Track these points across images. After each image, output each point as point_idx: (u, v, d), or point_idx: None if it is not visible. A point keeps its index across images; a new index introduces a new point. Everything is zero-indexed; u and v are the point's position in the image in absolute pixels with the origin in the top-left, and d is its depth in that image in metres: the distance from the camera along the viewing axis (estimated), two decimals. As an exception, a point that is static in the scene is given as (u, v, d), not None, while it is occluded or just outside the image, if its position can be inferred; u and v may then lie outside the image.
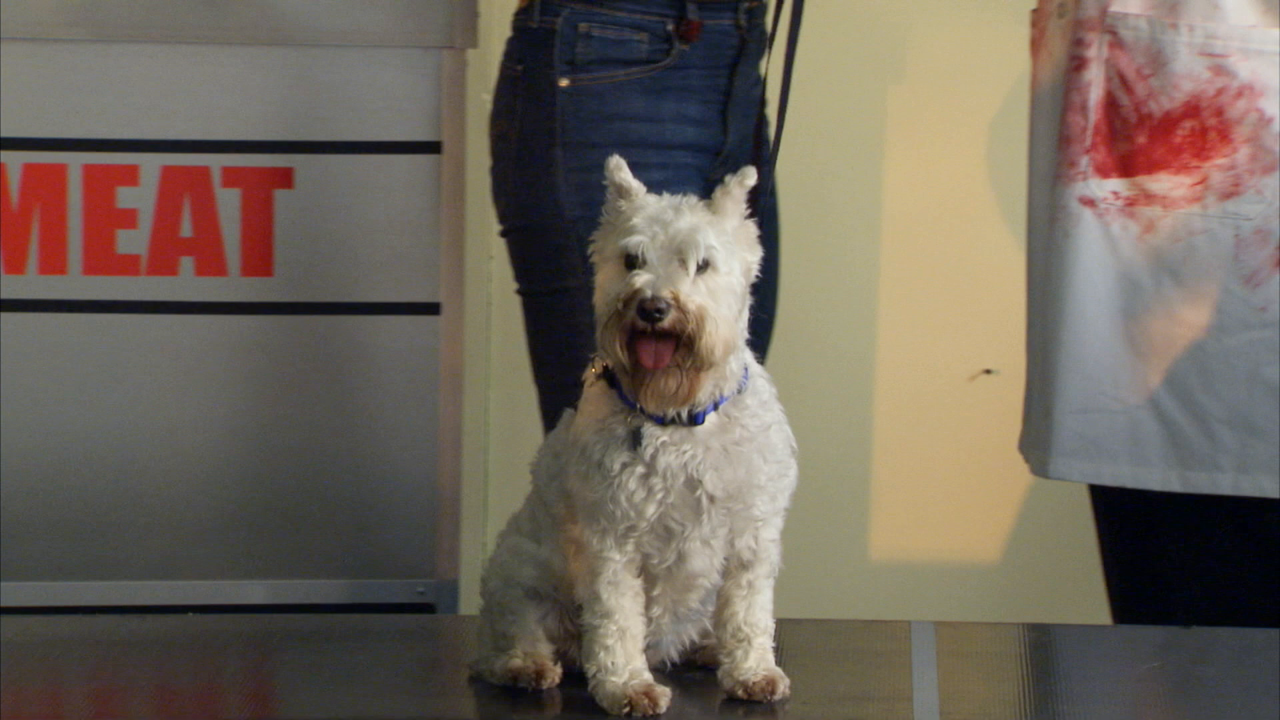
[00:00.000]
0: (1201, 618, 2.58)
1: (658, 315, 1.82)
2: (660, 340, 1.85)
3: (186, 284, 3.20)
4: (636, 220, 1.92)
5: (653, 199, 1.97)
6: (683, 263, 1.86)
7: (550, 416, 2.82)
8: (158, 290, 3.19)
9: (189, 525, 3.33)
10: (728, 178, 2.00)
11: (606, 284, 1.94)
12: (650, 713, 1.98)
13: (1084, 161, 2.64)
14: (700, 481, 1.94)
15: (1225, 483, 2.66)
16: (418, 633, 2.85)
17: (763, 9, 2.84)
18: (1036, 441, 2.78)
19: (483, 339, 3.80)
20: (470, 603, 3.39)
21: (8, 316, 3.22)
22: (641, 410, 1.94)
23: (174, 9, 3.28)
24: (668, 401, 1.90)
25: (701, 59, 2.81)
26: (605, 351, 1.95)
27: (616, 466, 1.93)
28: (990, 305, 3.84)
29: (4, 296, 3.23)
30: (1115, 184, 2.62)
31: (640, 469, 1.94)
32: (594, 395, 2.03)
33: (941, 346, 4.00)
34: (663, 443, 1.91)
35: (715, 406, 1.93)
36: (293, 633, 2.80)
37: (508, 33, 2.89)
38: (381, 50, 3.21)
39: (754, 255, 2.01)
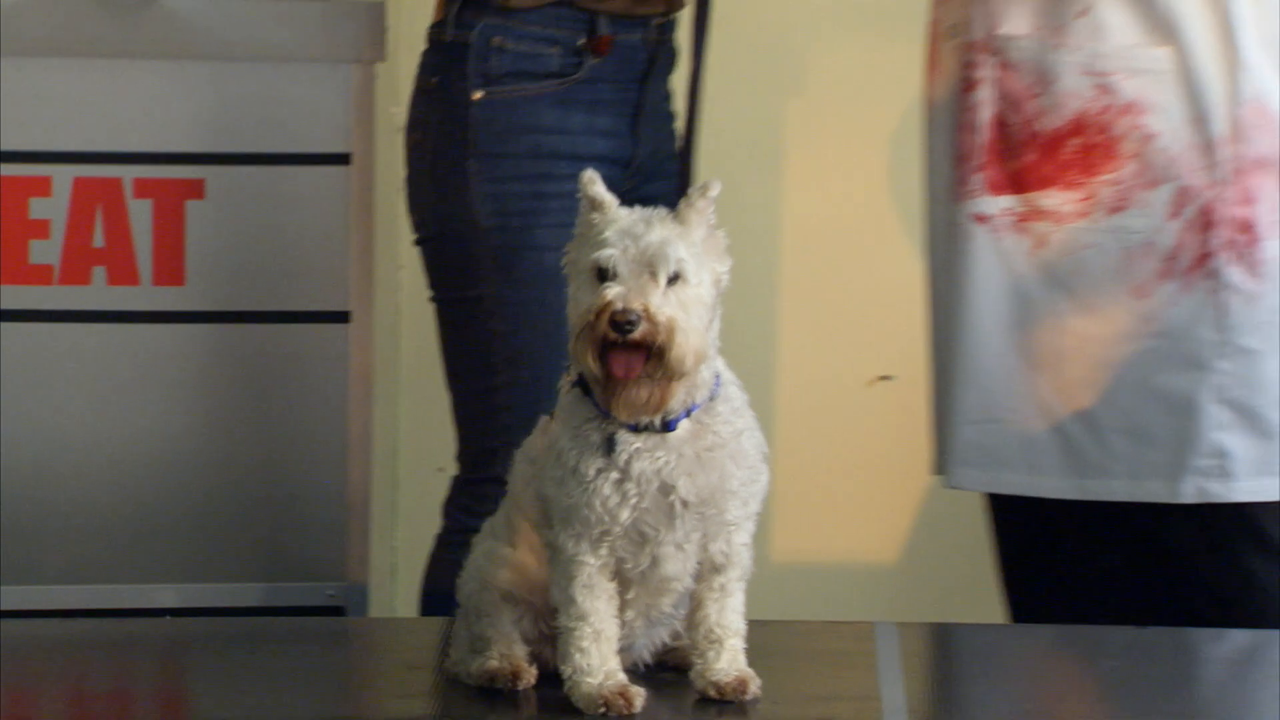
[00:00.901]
0: (1094, 621, 2.62)
1: (629, 327, 1.85)
2: (631, 351, 1.88)
3: (99, 293, 3.23)
4: (608, 234, 1.94)
5: (624, 212, 1.98)
6: (653, 275, 1.89)
7: (464, 421, 2.92)
8: (70, 299, 3.22)
9: (97, 530, 3.35)
10: (691, 189, 2.03)
11: (578, 296, 1.97)
12: (625, 713, 2.00)
13: (977, 179, 2.66)
14: (674, 487, 1.97)
15: (1120, 489, 2.66)
16: (328, 635, 2.84)
17: (672, 24, 2.91)
18: (938, 451, 2.85)
19: (393, 346, 3.81)
20: (380, 606, 3.50)
21: (-78, 326, 3.23)
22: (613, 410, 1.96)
23: (86, 23, 3.32)
24: (639, 411, 1.93)
25: (612, 73, 2.85)
26: (578, 362, 1.97)
27: (591, 472, 1.95)
28: (887, 313, 3.92)
29: (-82, 306, 3.24)
30: (1007, 201, 2.64)
31: (615, 475, 1.96)
32: (568, 403, 2.05)
33: (840, 353, 4.06)
34: (636, 449, 1.94)
35: (688, 414, 1.96)
36: (203, 636, 2.82)
37: (417, 47, 2.92)
38: (292, 64, 3.24)
39: (723, 265, 2.01)
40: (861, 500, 4.07)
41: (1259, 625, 2.56)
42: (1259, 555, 2.78)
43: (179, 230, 3.28)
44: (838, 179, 3.99)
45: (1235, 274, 2.63)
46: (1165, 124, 2.63)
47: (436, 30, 2.87)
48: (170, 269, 3.29)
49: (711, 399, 1.97)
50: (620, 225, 1.91)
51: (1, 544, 3.27)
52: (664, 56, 2.92)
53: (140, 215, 3.23)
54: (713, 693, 1.99)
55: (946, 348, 2.77)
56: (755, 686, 2.00)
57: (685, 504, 1.95)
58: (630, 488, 1.93)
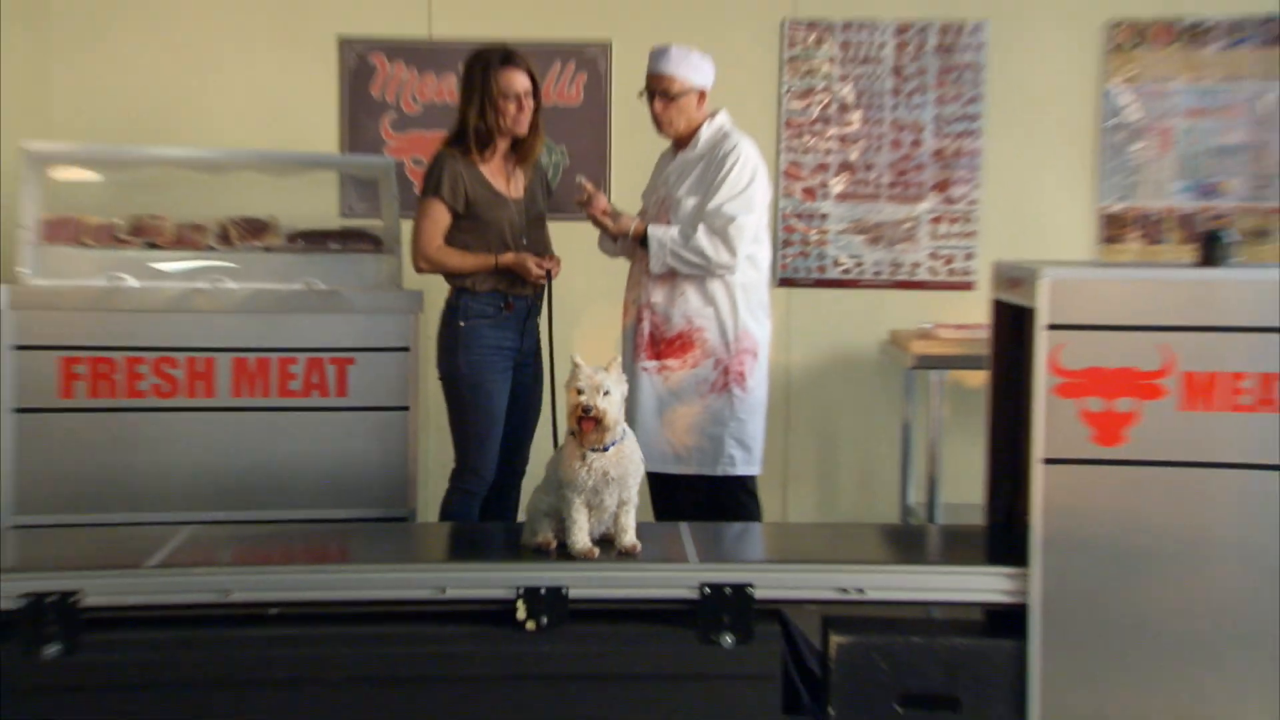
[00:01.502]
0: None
1: (589, 412, 3.73)
2: (590, 420, 3.75)
3: None
4: (581, 377, 3.75)
5: (588, 368, 3.75)
6: (598, 390, 3.73)
7: (456, 445, 4.68)
8: None
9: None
10: (610, 361, 3.77)
11: (569, 400, 3.78)
12: (590, 556, 3.87)
13: (643, 354, 4.82)
14: (607, 473, 3.85)
15: (704, 469, 4.79)
16: (405, 527, 4.18)
17: (542, 290, 4.77)
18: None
19: (425, 425, 4.73)
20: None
21: None
22: (581, 445, 3.81)
23: None
24: (594, 443, 3.80)
25: (512, 315, 4.71)
26: (570, 425, 3.79)
27: (577, 466, 3.82)
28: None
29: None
30: (654, 363, 4.79)
31: (585, 469, 3.83)
32: (569, 440, 3.87)
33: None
34: (593, 458, 3.83)
35: (612, 445, 3.84)
36: (362, 529, 4.43)
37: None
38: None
39: (624, 386, 3.81)
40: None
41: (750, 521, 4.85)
42: (745, 494, 4.91)
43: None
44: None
45: (737, 390, 4.77)
46: (711, 337, 4.76)
47: (449, 299, 4.70)
48: None
49: (622, 438, 3.87)
50: (584, 373, 3.75)
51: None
52: (534, 307, 4.77)
53: None
54: (623, 549, 3.94)
55: (630, 419, 4.41)
56: (639, 547, 3.95)
57: (610, 480, 3.85)
58: (591, 473, 3.83)
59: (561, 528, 3.93)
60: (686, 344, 4.66)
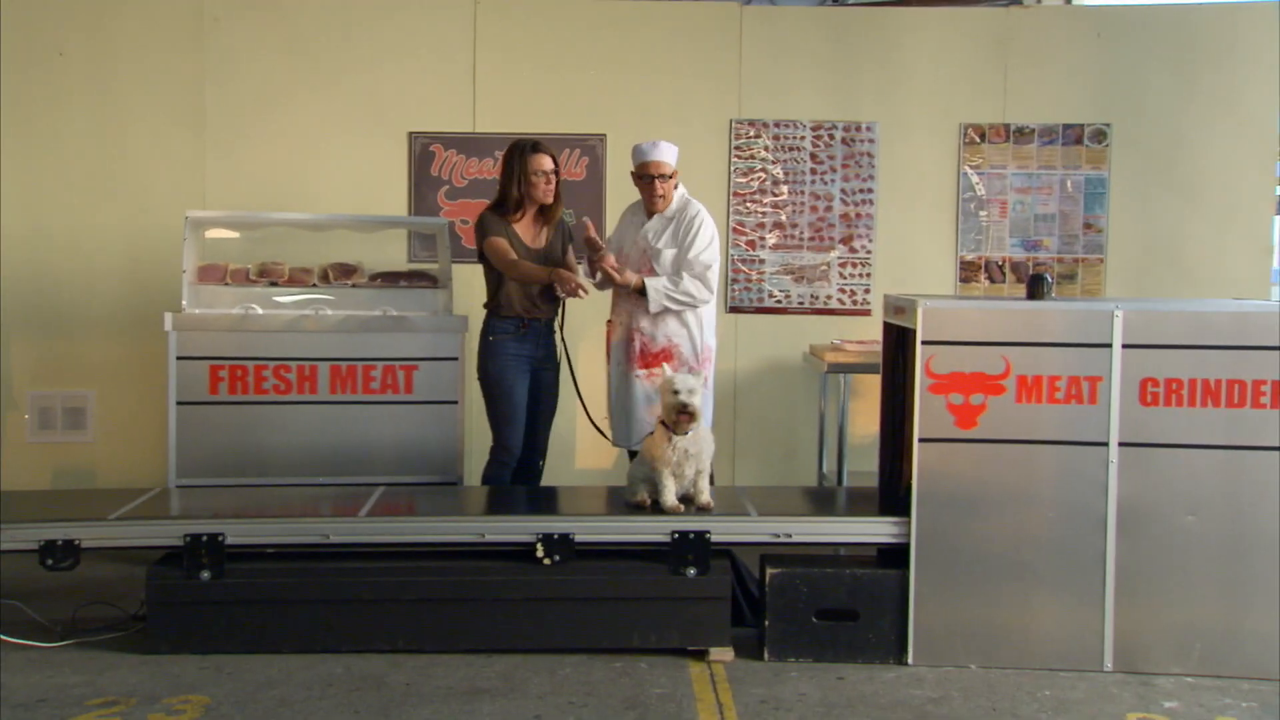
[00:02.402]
0: None
1: (687, 408, 3.81)
2: (686, 414, 3.83)
3: None
4: (679, 382, 3.84)
5: (682, 375, 3.90)
6: (693, 392, 3.82)
7: (492, 428, 4.59)
8: None
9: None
10: (697, 371, 4.17)
11: (666, 400, 3.87)
12: (678, 511, 3.92)
13: (634, 365, 4.59)
14: (688, 450, 3.90)
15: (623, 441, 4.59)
16: (459, 490, 4.16)
17: (553, 316, 4.73)
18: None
19: (468, 413, 4.65)
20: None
21: None
22: (674, 432, 3.88)
23: None
24: (685, 430, 3.85)
25: (531, 331, 4.65)
26: (668, 418, 3.85)
27: (665, 448, 3.89)
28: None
29: None
30: (644, 371, 4.54)
31: (672, 449, 3.89)
32: (659, 427, 3.93)
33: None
34: (679, 440, 3.88)
35: (692, 430, 3.89)
36: (419, 489, 4.48)
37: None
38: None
39: (708, 388, 4.18)
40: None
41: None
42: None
43: None
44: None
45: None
46: (685, 350, 4.59)
47: (484, 321, 4.69)
48: None
49: (698, 426, 3.92)
50: (681, 379, 3.86)
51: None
52: (549, 326, 4.73)
53: None
54: (700, 505, 3.98)
55: (629, 413, 4.59)
56: (712, 505, 3.97)
57: (690, 456, 3.93)
58: (676, 451, 3.90)
59: (654, 490, 3.98)
60: (667, 356, 4.59)
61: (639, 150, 4.60)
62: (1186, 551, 3.77)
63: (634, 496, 3.99)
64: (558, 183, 4.62)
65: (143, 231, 5.58)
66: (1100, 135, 5.78)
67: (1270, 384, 3.72)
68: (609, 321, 4.71)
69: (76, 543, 3.84)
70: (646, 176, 4.59)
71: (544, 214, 4.65)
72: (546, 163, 4.57)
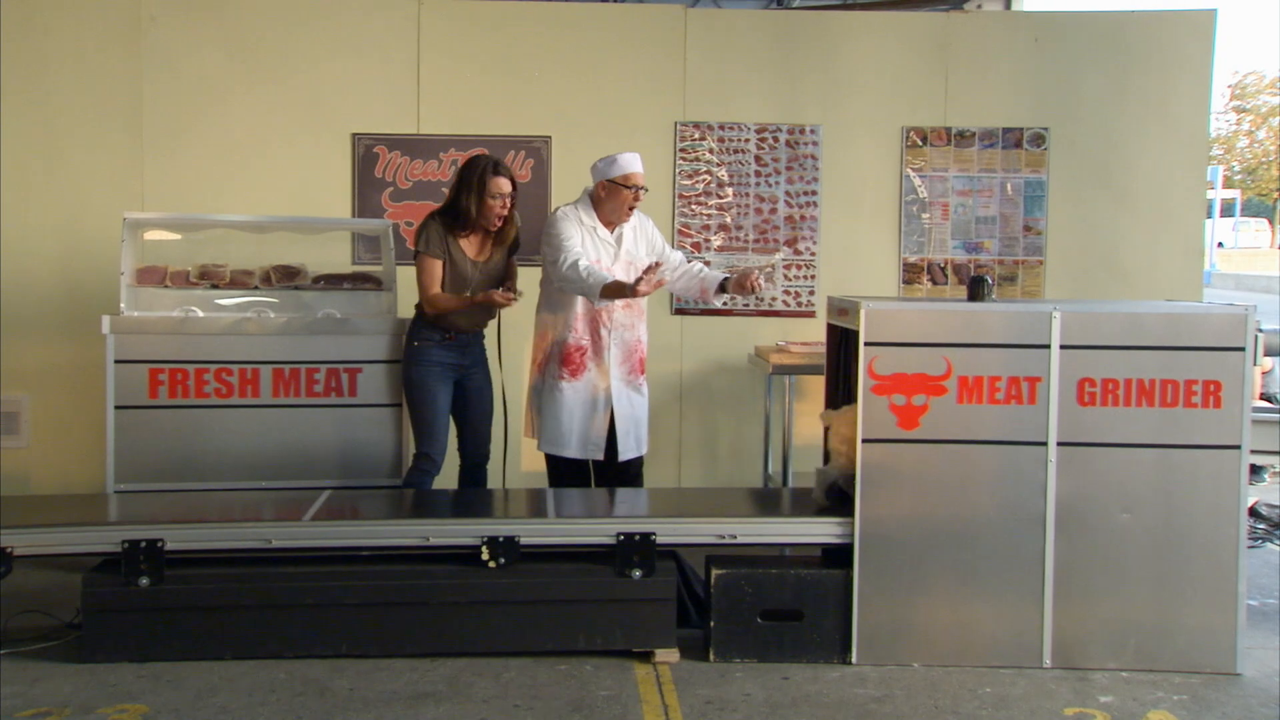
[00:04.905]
0: None
1: None
2: None
3: None
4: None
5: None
6: None
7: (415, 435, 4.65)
8: None
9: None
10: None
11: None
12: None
13: (637, 374, 4.70)
14: None
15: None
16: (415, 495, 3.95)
17: (481, 329, 4.73)
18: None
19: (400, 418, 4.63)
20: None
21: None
22: None
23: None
24: None
25: (456, 340, 4.63)
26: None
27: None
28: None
29: None
30: (643, 379, 4.70)
31: None
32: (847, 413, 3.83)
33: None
34: None
35: None
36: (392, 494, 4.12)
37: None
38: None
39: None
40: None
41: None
42: (640, 465, 4.83)
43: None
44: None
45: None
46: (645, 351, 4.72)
47: (410, 323, 4.68)
48: None
49: None
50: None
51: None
52: (477, 335, 4.71)
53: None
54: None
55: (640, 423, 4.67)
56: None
57: None
58: None
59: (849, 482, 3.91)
60: (643, 360, 4.74)
61: (624, 161, 4.57)
62: (1122, 549, 3.82)
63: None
64: (513, 205, 4.59)
65: (79, 234, 5.52)
66: (1039, 139, 5.86)
67: (1201, 384, 3.79)
68: (542, 334, 4.68)
69: (9, 550, 3.79)
70: (630, 187, 4.56)
71: (497, 234, 4.63)
72: (505, 185, 4.55)
